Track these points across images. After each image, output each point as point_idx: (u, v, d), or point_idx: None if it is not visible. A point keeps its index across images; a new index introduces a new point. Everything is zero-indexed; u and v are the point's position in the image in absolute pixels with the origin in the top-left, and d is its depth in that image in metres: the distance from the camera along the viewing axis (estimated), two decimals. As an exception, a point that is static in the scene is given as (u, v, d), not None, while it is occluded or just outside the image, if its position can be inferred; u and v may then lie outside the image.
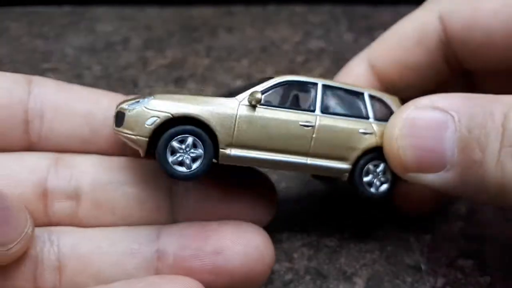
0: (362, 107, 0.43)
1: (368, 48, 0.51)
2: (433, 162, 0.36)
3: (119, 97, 0.44)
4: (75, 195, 0.41)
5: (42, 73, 0.71)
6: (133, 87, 0.68)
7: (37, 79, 0.43)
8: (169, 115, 0.37)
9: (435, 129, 0.36)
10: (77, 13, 0.87)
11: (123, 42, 0.79)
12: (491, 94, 0.36)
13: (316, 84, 0.41)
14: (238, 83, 0.70)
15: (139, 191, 0.42)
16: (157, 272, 0.40)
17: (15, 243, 0.35)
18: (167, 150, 0.37)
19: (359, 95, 0.43)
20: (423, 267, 0.46)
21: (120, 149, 0.43)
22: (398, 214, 0.49)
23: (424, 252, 0.47)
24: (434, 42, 0.46)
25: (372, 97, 0.43)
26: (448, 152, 0.36)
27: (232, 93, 0.40)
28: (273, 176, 0.55)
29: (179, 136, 0.37)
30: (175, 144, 0.37)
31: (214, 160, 0.39)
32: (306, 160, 0.40)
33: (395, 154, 0.39)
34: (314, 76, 0.42)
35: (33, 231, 0.37)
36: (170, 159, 0.37)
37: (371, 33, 0.79)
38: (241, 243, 0.40)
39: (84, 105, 0.43)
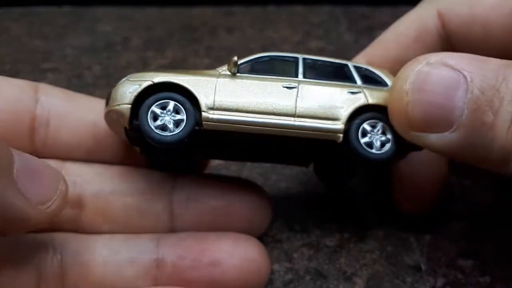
0: (347, 74, 0.42)
1: (367, 47, 0.51)
2: (441, 120, 0.35)
3: None
4: (78, 203, 0.42)
5: (42, 73, 0.71)
6: (133, 87, 0.68)
7: (43, 87, 0.43)
8: (151, 82, 0.38)
9: (447, 86, 0.34)
10: (77, 13, 0.87)
11: (123, 42, 0.79)
12: (502, 59, 0.35)
13: (297, 57, 0.42)
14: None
15: (140, 200, 0.43)
16: (156, 281, 0.40)
17: (52, 200, 0.35)
18: (149, 116, 0.38)
19: (343, 66, 0.42)
20: (423, 267, 0.46)
21: (122, 159, 0.44)
22: (398, 213, 0.49)
23: (424, 252, 0.47)
24: (433, 38, 0.46)
25: (357, 67, 0.43)
26: (457, 111, 0.34)
27: None
28: (273, 176, 0.55)
29: (160, 102, 0.38)
30: (156, 109, 0.38)
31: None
32: (294, 121, 0.39)
33: (402, 109, 0.36)
34: None
35: (67, 188, 0.37)
36: (153, 124, 0.38)
37: (371, 33, 0.79)
38: (238, 256, 0.41)
39: (90, 115, 0.43)
